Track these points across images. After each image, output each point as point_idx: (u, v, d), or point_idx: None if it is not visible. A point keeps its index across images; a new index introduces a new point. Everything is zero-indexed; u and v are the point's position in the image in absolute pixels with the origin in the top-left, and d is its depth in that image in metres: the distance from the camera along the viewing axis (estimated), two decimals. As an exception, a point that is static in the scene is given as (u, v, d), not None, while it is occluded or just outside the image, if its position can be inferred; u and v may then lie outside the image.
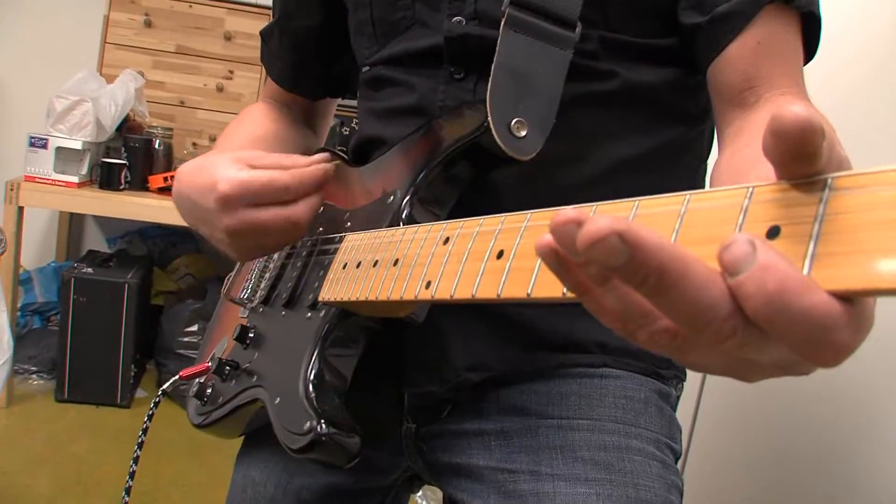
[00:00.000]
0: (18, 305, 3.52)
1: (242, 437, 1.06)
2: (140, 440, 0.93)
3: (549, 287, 0.42)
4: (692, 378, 1.49)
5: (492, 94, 0.75)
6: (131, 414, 3.12)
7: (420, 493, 2.83)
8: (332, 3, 1.05)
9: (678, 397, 0.94)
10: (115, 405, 3.14)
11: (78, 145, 2.97)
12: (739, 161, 0.67)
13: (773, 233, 0.33)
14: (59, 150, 2.95)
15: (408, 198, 0.79)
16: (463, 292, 0.51)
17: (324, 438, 0.69)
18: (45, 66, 3.64)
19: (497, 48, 0.77)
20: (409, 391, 0.91)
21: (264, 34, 1.16)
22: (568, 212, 0.34)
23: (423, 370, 0.89)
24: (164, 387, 0.91)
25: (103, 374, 3.12)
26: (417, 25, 0.90)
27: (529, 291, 0.44)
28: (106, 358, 3.10)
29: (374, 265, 0.68)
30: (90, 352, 3.08)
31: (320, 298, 0.79)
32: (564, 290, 0.41)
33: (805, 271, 0.31)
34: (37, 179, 2.96)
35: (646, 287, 0.33)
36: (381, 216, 0.82)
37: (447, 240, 0.57)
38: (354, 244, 0.77)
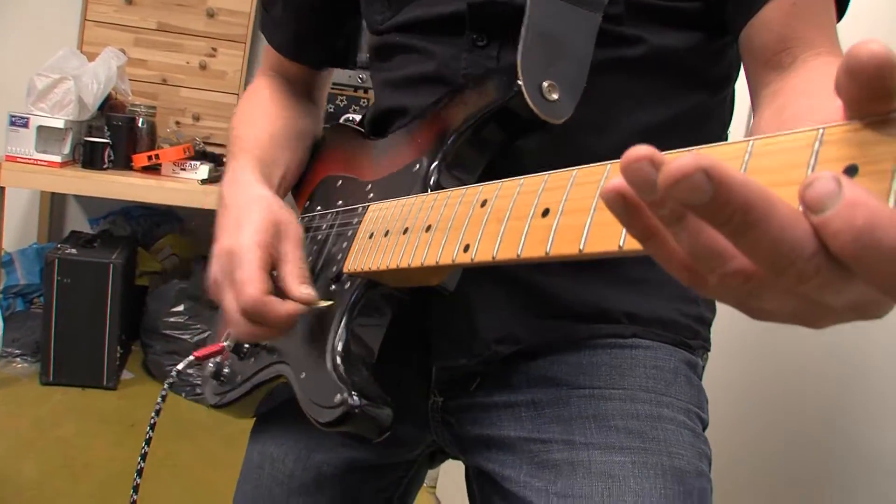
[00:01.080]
0: (1, 288, 3.48)
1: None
2: (148, 436, 0.90)
3: (604, 241, 0.40)
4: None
5: (523, 56, 0.73)
6: (118, 395, 3.10)
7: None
8: None
9: (704, 367, 0.94)
10: (101, 387, 3.11)
11: (60, 124, 2.92)
12: (782, 122, 0.66)
13: (851, 171, 0.31)
14: (40, 128, 2.90)
15: (436, 164, 0.78)
16: (507, 252, 0.49)
17: (356, 410, 0.68)
18: (24, 44, 3.59)
19: (527, 11, 0.75)
20: (438, 364, 0.90)
21: (266, 2, 1.12)
22: (641, 149, 0.32)
23: (451, 343, 0.87)
24: (179, 367, 0.88)
25: (89, 355, 3.09)
26: None
27: (582, 247, 0.42)
28: (91, 339, 3.07)
29: (405, 232, 0.67)
30: (75, 333, 3.05)
31: (345, 269, 0.77)
32: (621, 241, 0.39)
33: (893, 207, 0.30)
34: (18, 159, 2.91)
35: (730, 226, 0.32)
36: (407, 185, 0.80)
37: (484, 202, 0.55)
38: (380, 213, 0.76)
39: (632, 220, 0.36)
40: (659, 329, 0.87)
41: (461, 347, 0.86)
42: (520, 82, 0.72)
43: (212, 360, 0.93)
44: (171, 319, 3.20)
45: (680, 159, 0.31)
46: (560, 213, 0.45)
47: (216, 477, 2.57)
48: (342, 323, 0.75)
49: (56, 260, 2.99)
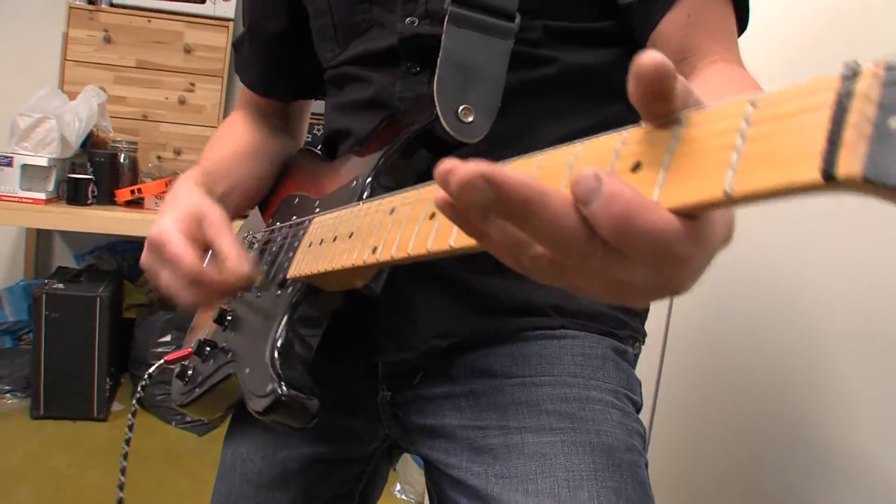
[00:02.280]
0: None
1: (227, 423, 1.11)
2: (127, 437, 0.97)
3: (466, 239, 0.47)
4: (653, 342, 1.55)
5: (438, 85, 0.82)
6: (109, 426, 3.14)
7: (398, 488, 2.87)
8: (296, 9, 1.10)
9: (636, 356, 0.99)
10: (91, 419, 3.16)
11: (44, 162, 2.99)
12: None
13: (636, 167, 0.39)
14: (24, 167, 2.96)
15: (369, 180, 0.85)
16: (401, 252, 0.56)
17: (283, 399, 0.75)
18: (5, 85, 3.66)
19: (442, 43, 0.83)
20: (383, 360, 0.96)
21: (236, 44, 1.21)
22: (445, 163, 0.39)
23: (394, 339, 0.94)
24: (151, 370, 0.97)
25: (79, 388, 3.14)
26: (375, 27, 0.96)
27: (452, 243, 0.49)
28: (80, 373, 3.12)
29: (334, 240, 0.74)
30: (64, 367, 3.10)
31: (288, 276, 0.84)
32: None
33: (656, 196, 0.37)
34: (3, 198, 2.97)
35: (513, 218, 0.39)
36: (345, 199, 0.87)
37: (393, 210, 0.62)
38: (320, 224, 0.83)
39: (462, 222, 0.43)
40: (585, 320, 0.93)
41: (403, 343, 0.93)
42: (437, 109, 0.80)
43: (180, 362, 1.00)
44: (159, 350, 3.26)
45: (464, 167, 0.38)
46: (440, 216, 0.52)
47: None
48: (282, 322, 0.82)
49: (44, 295, 3.05)
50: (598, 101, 0.92)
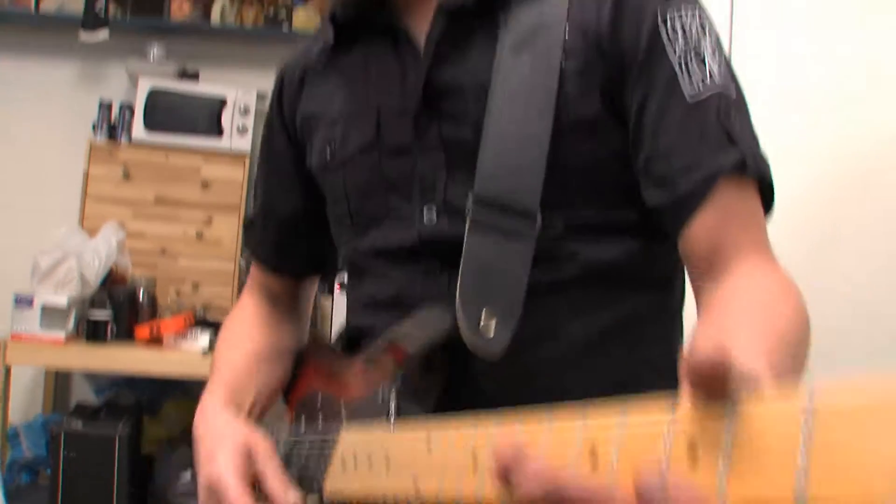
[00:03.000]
0: (6, 462, 3.50)
1: None
2: None
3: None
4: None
5: (461, 296, 0.82)
6: (127, 568, 3.09)
7: None
8: (312, 191, 1.12)
9: None
10: (109, 560, 3.10)
11: (63, 302, 3.01)
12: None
13: (691, 450, 0.38)
14: (45, 307, 2.99)
15: (394, 394, 0.85)
16: (447, 495, 0.55)
17: None
18: (27, 223, 3.71)
19: (464, 249, 0.84)
20: None
21: (247, 223, 1.24)
22: (504, 453, 0.39)
23: None
24: None
25: (96, 528, 3.09)
26: (392, 217, 0.97)
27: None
28: (98, 512, 3.08)
29: (370, 464, 0.73)
30: (82, 506, 3.06)
31: (325, 494, 0.84)
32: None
33: (719, 490, 0.36)
34: (23, 338, 2.99)
35: None
36: (372, 413, 0.87)
37: (429, 444, 0.61)
38: (352, 440, 0.82)
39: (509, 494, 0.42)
40: None
41: None
42: (458, 320, 0.80)
43: None
44: (180, 488, 3.21)
45: (526, 470, 0.38)
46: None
47: None
48: None
49: (62, 434, 3.03)
50: (622, 294, 0.92)
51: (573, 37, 0.92)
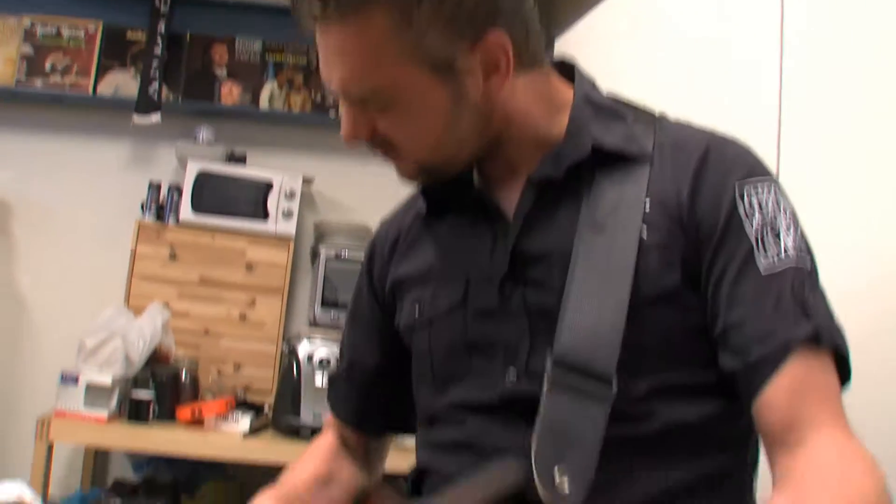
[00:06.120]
0: (45, 538, 3.51)
1: None
2: None
3: None
4: None
5: (536, 451, 0.85)
6: None
7: None
8: (396, 349, 1.17)
9: None
10: None
11: (107, 381, 3.06)
12: None
13: None
14: (89, 386, 3.04)
15: None
16: None
17: None
18: (75, 301, 3.78)
19: (541, 407, 0.87)
20: None
21: (332, 379, 1.29)
22: None
23: None
24: None
25: None
26: (474, 375, 1.01)
27: None
28: None
29: None
30: (118, 587, 3.06)
31: None
32: None
33: None
34: (67, 415, 3.03)
35: None
36: None
37: None
38: None
39: None
40: None
41: None
42: (534, 474, 0.83)
43: None
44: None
45: None
46: None
47: None
48: None
49: (101, 512, 3.05)
50: (700, 453, 0.93)
51: (654, 211, 0.96)
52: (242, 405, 3.30)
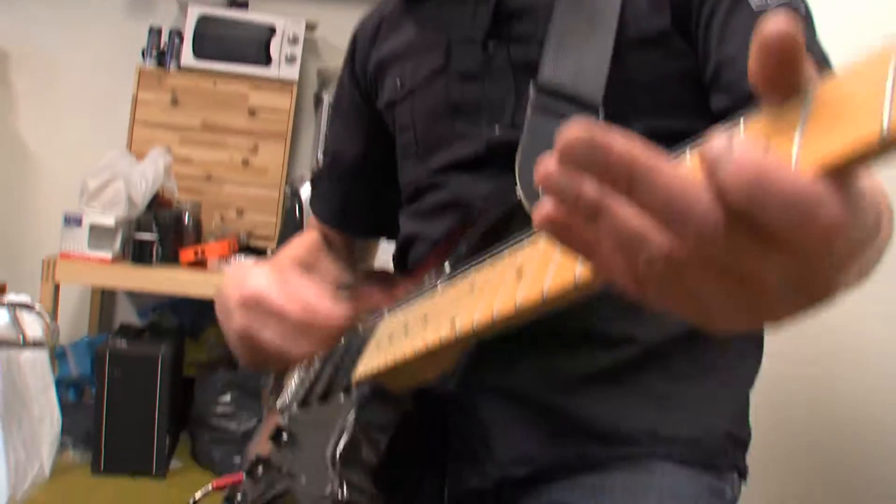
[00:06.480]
0: (54, 380, 3.57)
1: None
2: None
3: (562, 282, 0.44)
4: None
5: (519, 167, 0.81)
6: (167, 483, 3.15)
7: None
8: (379, 139, 1.13)
9: (735, 498, 0.91)
10: (150, 475, 3.17)
11: (111, 222, 3.06)
12: None
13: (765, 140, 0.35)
14: (92, 227, 3.04)
15: (449, 262, 0.84)
16: (484, 317, 0.53)
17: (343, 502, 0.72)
18: (78, 145, 3.75)
19: (524, 127, 0.84)
20: (451, 488, 0.90)
21: (315, 178, 1.26)
22: (544, 164, 0.40)
23: (465, 462, 0.89)
24: (197, 497, 0.94)
25: (138, 445, 3.15)
26: (458, 137, 0.97)
27: (545, 291, 0.46)
28: (141, 430, 3.14)
29: (405, 330, 0.72)
30: (125, 424, 3.12)
31: (353, 379, 0.82)
32: (576, 275, 0.43)
33: (794, 156, 0.33)
34: (72, 256, 3.05)
35: (622, 184, 0.36)
36: (419, 292, 0.86)
37: (472, 286, 0.60)
38: (389, 322, 0.81)
39: (567, 236, 0.39)
40: (682, 447, 0.87)
41: (475, 469, 0.89)
42: (518, 188, 0.79)
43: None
44: (219, 409, 3.27)
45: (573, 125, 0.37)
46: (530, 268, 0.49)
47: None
48: (347, 424, 0.78)
49: (107, 353, 3.09)
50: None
51: None
52: (245, 249, 3.30)
